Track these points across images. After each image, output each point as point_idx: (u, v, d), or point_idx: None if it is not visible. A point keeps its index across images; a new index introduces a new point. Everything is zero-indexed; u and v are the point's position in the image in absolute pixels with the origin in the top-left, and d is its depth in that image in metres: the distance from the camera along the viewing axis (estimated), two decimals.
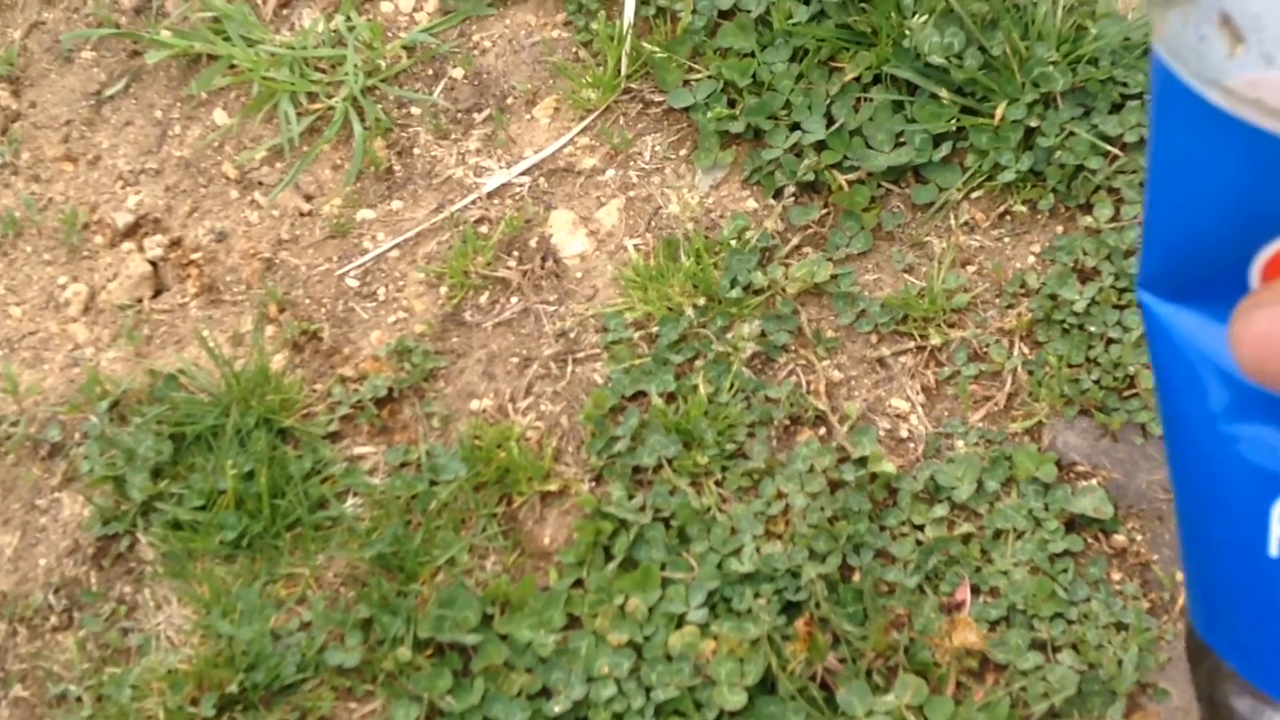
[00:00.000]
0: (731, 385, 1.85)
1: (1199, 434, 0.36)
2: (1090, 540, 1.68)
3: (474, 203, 2.06)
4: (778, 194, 2.00)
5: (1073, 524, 1.69)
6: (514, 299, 1.98)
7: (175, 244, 2.06)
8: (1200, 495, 0.37)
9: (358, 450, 1.87)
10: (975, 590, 1.65)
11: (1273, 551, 0.35)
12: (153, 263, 2.04)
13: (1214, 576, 0.38)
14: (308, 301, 2.00)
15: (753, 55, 2.07)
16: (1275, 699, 0.37)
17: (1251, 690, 0.38)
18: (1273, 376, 0.31)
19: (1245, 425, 0.35)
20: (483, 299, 1.99)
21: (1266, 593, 0.36)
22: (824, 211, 1.99)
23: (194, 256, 2.04)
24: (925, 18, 1.96)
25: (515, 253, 2.01)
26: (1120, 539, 1.68)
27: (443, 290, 2.00)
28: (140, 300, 2.02)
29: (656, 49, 2.09)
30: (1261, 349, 0.31)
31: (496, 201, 2.06)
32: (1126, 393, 1.77)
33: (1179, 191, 0.33)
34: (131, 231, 2.07)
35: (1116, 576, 1.65)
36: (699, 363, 1.88)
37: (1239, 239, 0.33)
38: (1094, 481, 1.72)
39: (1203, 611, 0.40)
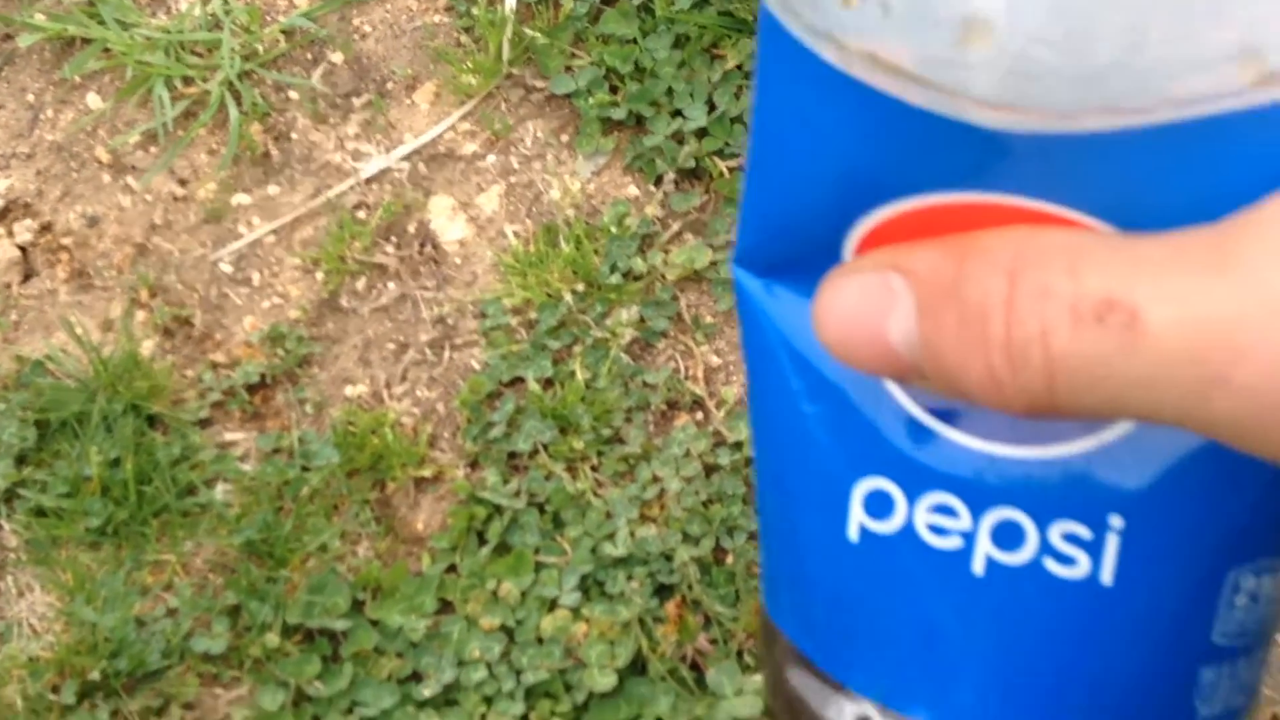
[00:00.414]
0: (609, 371, 1.84)
1: (782, 414, 0.34)
2: None
3: (352, 188, 2.03)
4: (659, 180, 2.00)
5: None
6: (391, 285, 1.96)
7: (45, 229, 2.02)
8: (781, 477, 0.35)
9: (228, 437, 1.84)
10: None
11: (851, 536, 0.34)
12: (22, 248, 2.00)
13: (791, 560, 0.37)
14: (180, 287, 1.97)
15: (635, 42, 2.06)
16: (844, 685, 0.36)
17: (820, 675, 0.37)
18: (857, 350, 0.29)
19: (828, 407, 0.33)
20: (360, 285, 1.96)
21: (842, 578, 0.35)
22: (705, 198, 1.98)
23: (64, 241, 2.00)
24: None
25: (394, 238, 1.99)
26: None
27: (319, 276, 1.98)
28: (9, 285, 1.98)
29: (539, 35, 2.08)
30: (845, 326, 0.29)
31: (375, 187, 2.03)
32: None
33: (781, 156, 0.31)
34: (1, 216, 2.03)
35: None
36: (577, 349, 1.87)
37: (839, 209, 0.30)
38: None
39: (776, 594, 0.38)
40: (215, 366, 1.89)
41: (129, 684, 1.62)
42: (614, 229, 1.95)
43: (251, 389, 1.87)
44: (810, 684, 0.37)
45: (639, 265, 1.93)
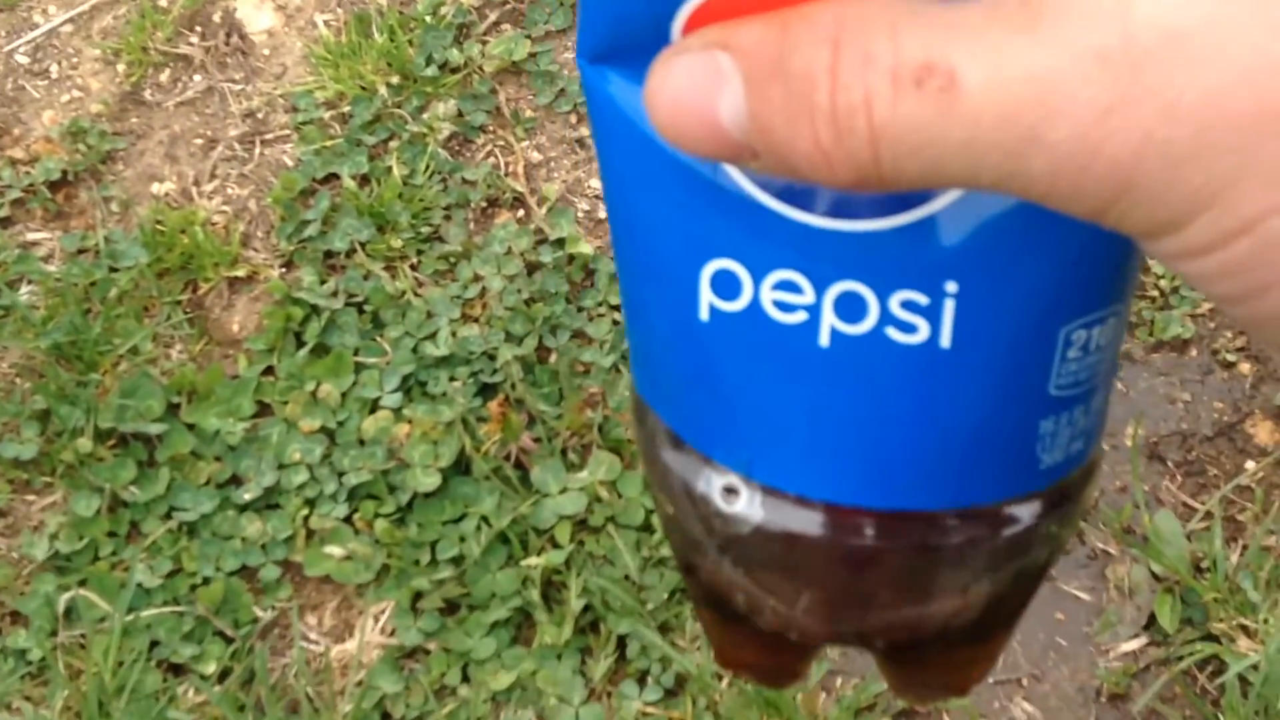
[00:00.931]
0: (427, 167, 1.81)
1: (632, 200, 0.35)
2: None
3: None
4: None
5: None
6: (197, 77, 1.89)
7: None
8: (636, 261, 0.36)
9: (30, 236, 1.77)
10: None
11: (703, 316, 0.35)
12: None
13: (652, 340, 0.38)
14: None
15: None
16: (710, 457, 0.38)
17: (688, 449, 0.38)
18: (687, 133, 0.28)
19: (673, 191, 0.34)
20: (163, 77, 1.89)
21: (698, 356, 0.36)
22: None
23: None
24: None
25: (198, 28, 1.91)
26: None
27: (120, 68, 1.89)
28: None
29: None
30: (675, 109, 0.28)
31: None
32: None
33: None
34: None
35: None
36: (393, 144, 1.83)
37: None
38: None
39: (642, 372, 0.40)
40: (14, 163, 1.81)
41: None
42: (429, 19, 1.90)
43: (53, 186, 1.80)
44: (680, 458, 0.39)
45: (455, 57, 1.89)
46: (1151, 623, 1.47)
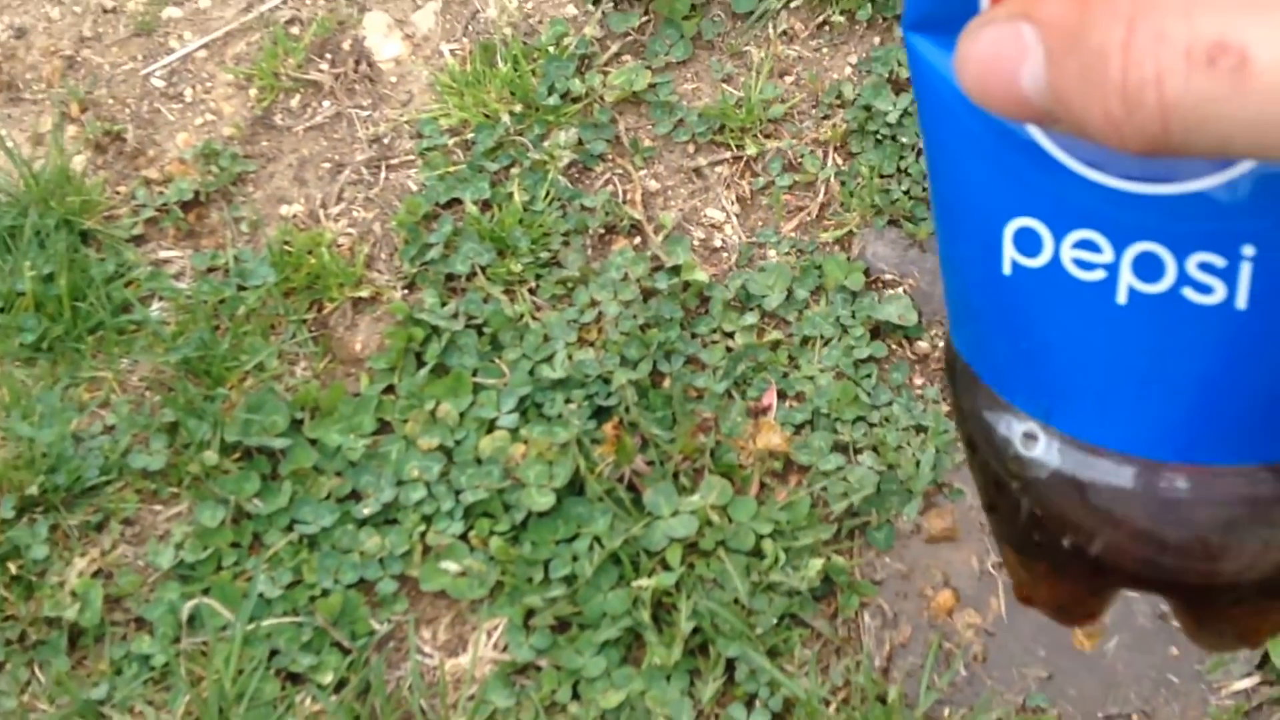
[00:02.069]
0: (547, 194, 1.84)
1: (946, 156, 0.37)
2: (894, 346, 1.72)
3: (284, 2, 1.99)
4: (597, 0, 1.97)
5: (878, 331, 1.72)
6: (326, 103, 1.94)
7: None
8: (949, 213, 0.39)
9: (163, 254, 1.83)
10: (781, 395, 1.67)
11: (1005, 270, 0.37)
12: None
13: (961, 293, 0.41)
14: (111, 102, 1.94)
15: None
16: (1011, 404, 0.40)
17: (993, 395, 0.41)
18: (992, 97, 0.31)
19: (982, 151, 0.36)
20: (293, 102, 1.94)
21: (1000, 308, 0.38)
22: (644, 19, 1.97)
23: None
24: None
25: (328, 55, 1.96)
26: (923, 345, 1.71)
27: (252, 93, 1.95)
28: None
29: None
30: (982, 74, 0.31)
31: (308, 1, 2.00)
32: None
33: None
34: None
35: (918, 381, 1.69)
36: (515, 170, 1.87)
37: None
38: (900, 290, 1.74)
39: (954, 321, 0.43)
40: (148, 183, 1.86)
41: (67, 499, 1.63)
42: (552, 49, 1.94)
43: (185, 206, 1.85)
44: (984, 403, 0.41)
45: (577, 87, 1.92)
46: (1265, 661, 1.46)
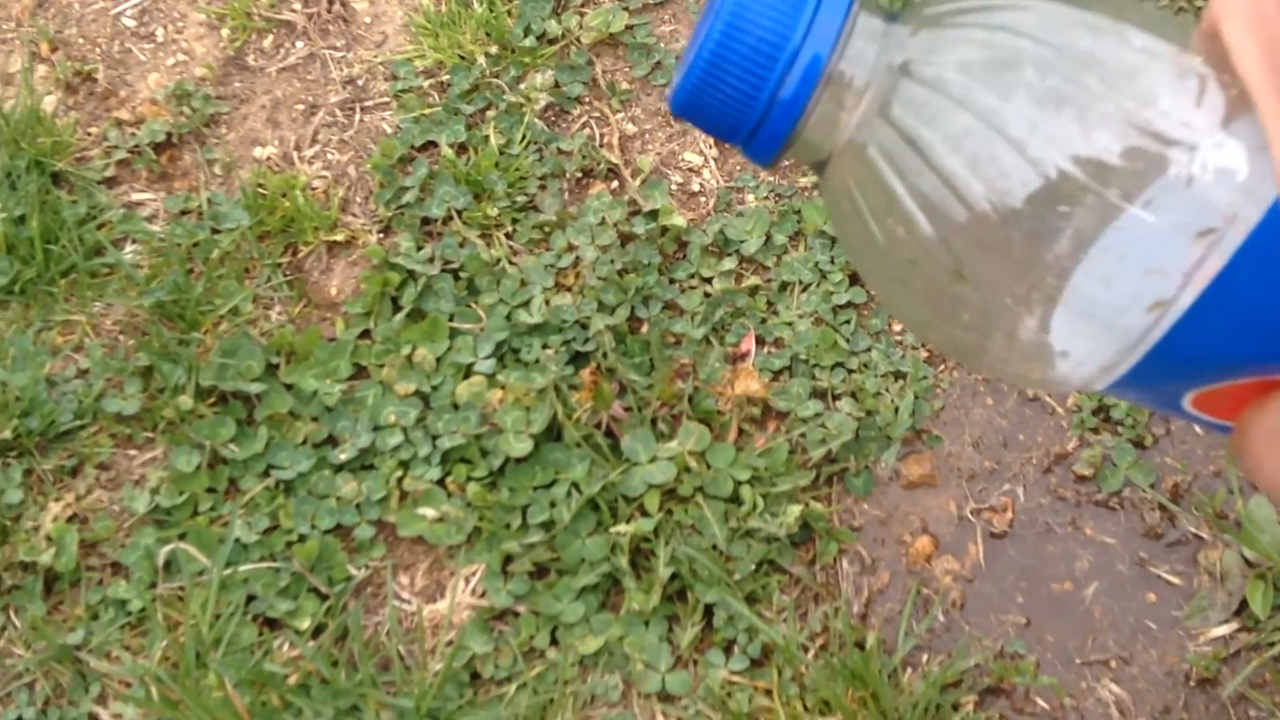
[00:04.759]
0: (524, 137, 1.83)
1: None
2: (873, 292, 1.71)
3: None
4: None
5: (856, 277, 1.71)
6: (299, 43, 1.91)
7: None
8: None
9: (135, 197, 1.81)
10: (760, 341, 1.67)
11: None
12: None
13: None
14: (82, 41, 1.91)
15: None
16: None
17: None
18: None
19: None
20: (266, 43, 1.92)
21: None
22: None
23: None
24: None
25: None
26: None
27: (224, 33, 1.92)
28: None
29: None
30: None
31: None
32: None
33: None
34: None
35: (897, 327, 1.69)
36: (491, 113, 1.85)
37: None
38: None
39: None
40: (120, 124, 1.84)
41: (41, 444, 1.62)
42: None
43: (158, 148, 1.83)
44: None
45: (553, 28, 1.90)
46: (1243, 608, 1.47)
